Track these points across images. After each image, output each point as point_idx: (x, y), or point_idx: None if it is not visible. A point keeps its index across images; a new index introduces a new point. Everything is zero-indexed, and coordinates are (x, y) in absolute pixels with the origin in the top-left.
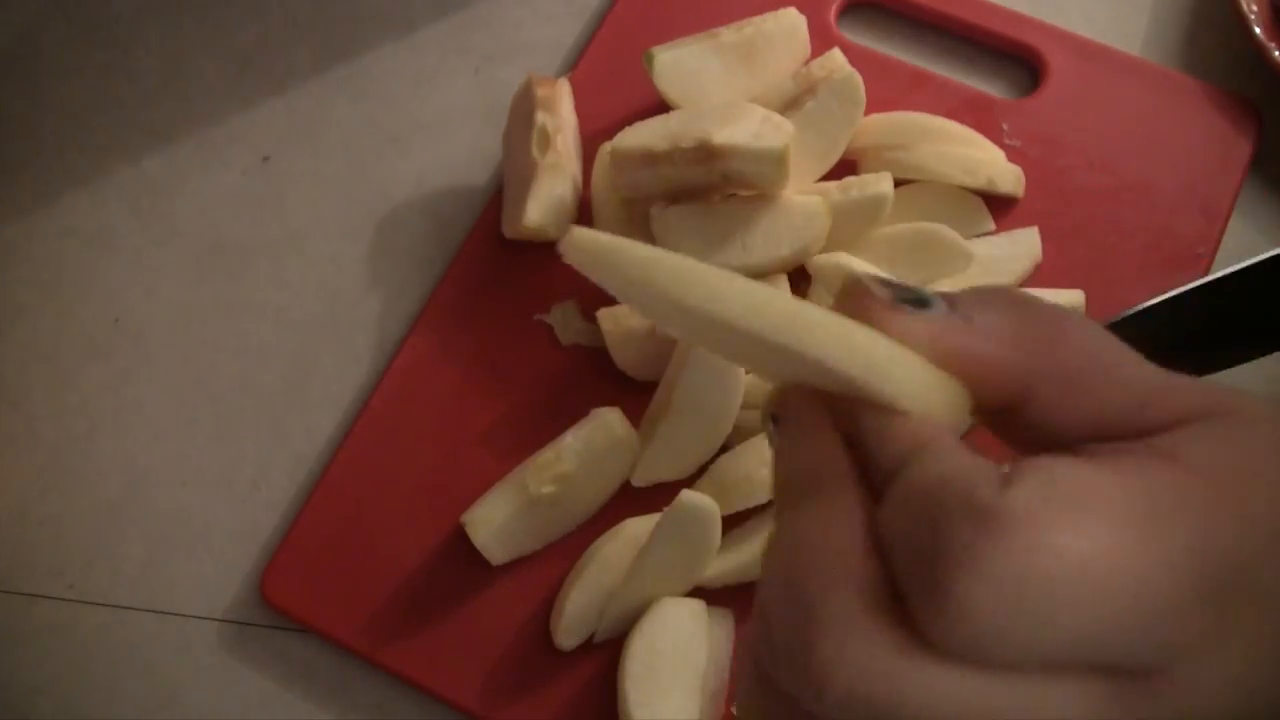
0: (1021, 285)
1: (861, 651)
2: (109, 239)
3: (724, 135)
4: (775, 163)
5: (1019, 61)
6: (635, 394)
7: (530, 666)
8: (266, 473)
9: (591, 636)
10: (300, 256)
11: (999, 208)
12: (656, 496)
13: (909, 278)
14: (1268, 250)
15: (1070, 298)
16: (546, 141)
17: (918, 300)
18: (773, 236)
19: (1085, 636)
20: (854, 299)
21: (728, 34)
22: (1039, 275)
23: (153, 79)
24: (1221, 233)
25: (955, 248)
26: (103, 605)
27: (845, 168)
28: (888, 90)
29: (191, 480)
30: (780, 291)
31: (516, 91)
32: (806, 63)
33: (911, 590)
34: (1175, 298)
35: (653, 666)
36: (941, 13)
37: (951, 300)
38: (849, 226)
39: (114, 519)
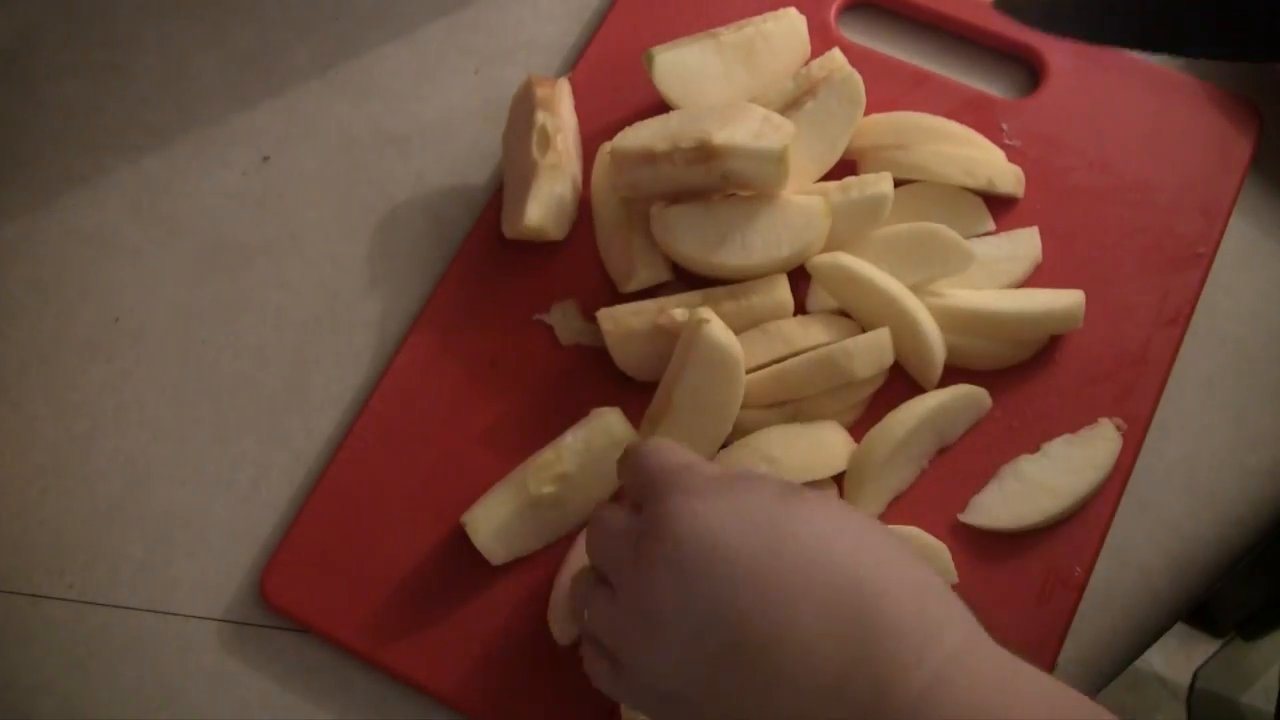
0: (1021, 285)
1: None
2: (109, 239)
3: (724, 135)
4: (775, 163)
5: (1019, 61)
6: (635, 394)
7: (530, 666)
8: (266, 473)
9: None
10: (300, 256)
11: (999, 208)
12: None
13: (909, 277)
14: (1267, 249)
15: (1070, 297)
16: (546, 141)
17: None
18: (772, 237)
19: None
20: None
21: (728, 34)
22: (1039, 275)
23: (152, 79)
24: (1221, 232)
25: (955, 247)
26: (103, 605)
27: (845, 168)
28: (888, 90)
29: (191, 480)
30: None
31: (516, 91)
32: (806, 63)
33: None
34: None
35: None
36: (941, 13)
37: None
38: (849, 227)
39: (114, 519)
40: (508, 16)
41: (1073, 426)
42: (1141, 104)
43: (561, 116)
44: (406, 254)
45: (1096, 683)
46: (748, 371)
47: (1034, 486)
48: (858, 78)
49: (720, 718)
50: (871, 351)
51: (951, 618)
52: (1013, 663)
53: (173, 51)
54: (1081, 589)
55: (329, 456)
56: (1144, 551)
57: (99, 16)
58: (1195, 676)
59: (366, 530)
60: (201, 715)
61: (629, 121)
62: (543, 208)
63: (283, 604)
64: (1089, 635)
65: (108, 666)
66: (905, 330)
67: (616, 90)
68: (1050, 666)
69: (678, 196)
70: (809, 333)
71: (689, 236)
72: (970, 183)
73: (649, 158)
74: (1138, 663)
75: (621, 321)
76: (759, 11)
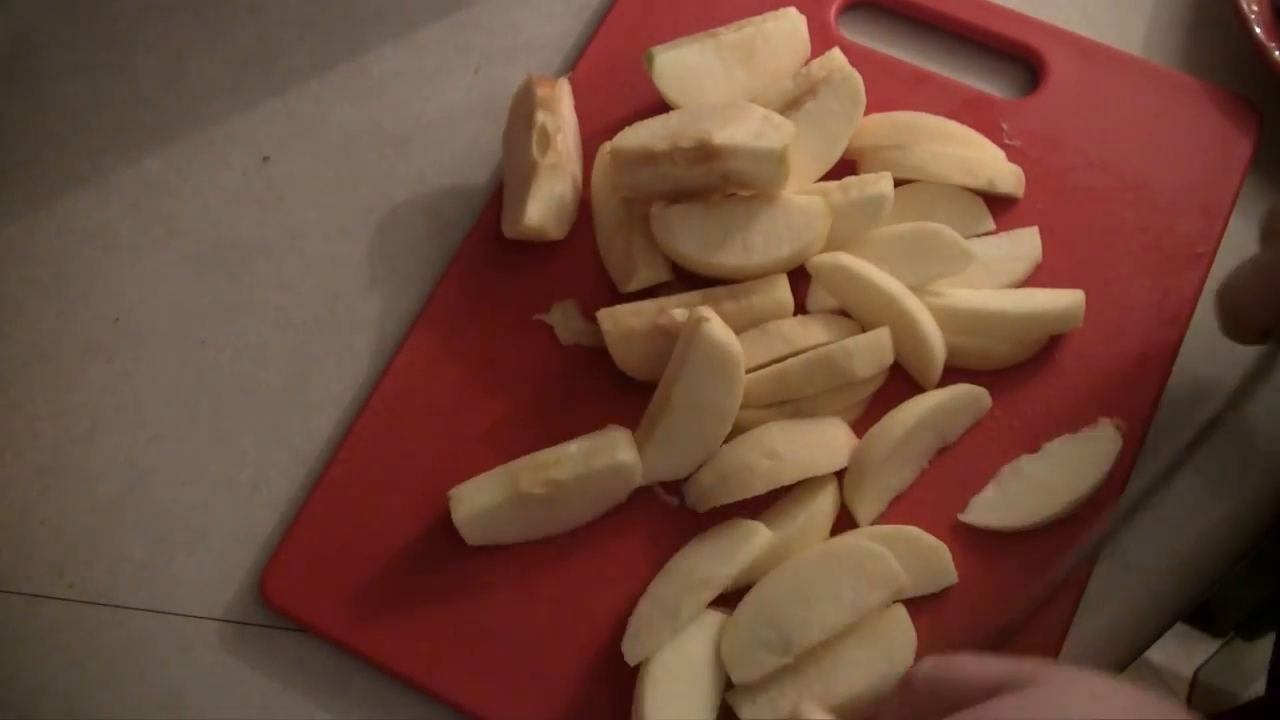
0: (1021, 285)
1: None
2: (109, 239)
3: (724, 135)
4: (775, 162)
5: (1019, 61)
6: (635, 394)
7: (530, 666)
8: (266, 472)
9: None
10: (300, 256)
11: (999, 207)
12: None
13: (909, 277)
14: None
15: (1070, 297)
16: (547, 141)
17: None
18: (773, 237)
19: None
20: None
21: (728, 34)
22: (1039, 275)
23: (153, 79)
24: (1222, 232)
25: (955, 247)
26: (103, 605)
27: (845, 167)
28: (888, 90)
29: (191, 480)
30: None
31: (516, 91)
32: (806, 62)
33: None
34: None
35: (677, 674)
36: (941, 12)
37: None
38: (849, 227)
39: (114, 518)
40: (508, 16)
41: (1073, 426)
42: (1142, 104)
43: (562, 116)
44: (406, 254)
45: None
46: (748, 371)
47: (1034, 486)
48: (858, 77)
49: None
50: (871, 351)
51: None
52: None
53: (173, 51)
54: (1081, 589)
55: (329, 456)
56: (1144, 551)
57: (99, 16)
58: (1195, 676)
59: (366, 530)
60: (201, 715)
61: (629, 121)
62: (543, 207)
63: (283, 604)
64: (1089, 635)
65: (107, 666)
66: (905, 330)
67: (617, 90)
68: None
69: (678, 196)
70: (809, 332)
71: (689, 236)
72: (970, 182)
73: (649, 157)
74: (1138, 662)
75: (621, 321)
76: (759, 11)
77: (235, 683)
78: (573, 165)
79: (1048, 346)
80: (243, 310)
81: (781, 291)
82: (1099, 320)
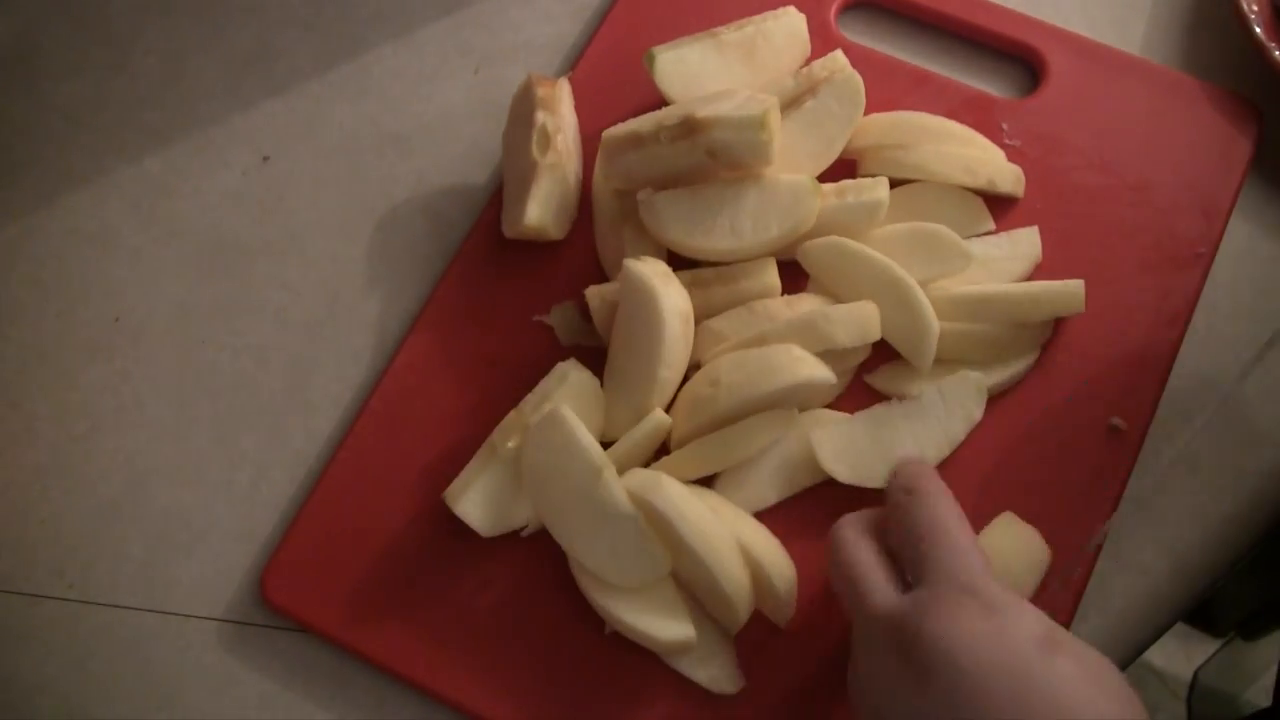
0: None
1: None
2: (109, 238)
3: (707, 110)
4: (757, 129)
5: (1019, 61)
6: None
7: (531, 666)
8: (266, 472)
9: (604, 628)
10: (300, 256)
11: (999, 207)
12: None
13: (908, 276)
14: (1267, 249)
15: (1069, 286)
16: (546, 141)
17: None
18: (761, 218)
19: None
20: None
21: (728, 33)
22: (1039, 275)
23: (153, 79)
24: (1222, 232)
25: (954, 247)
26: (103, 605)
27: (845, 167)
28: (888, 90)
29: (192, 480)
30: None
31: (516, 91)
32: (807, 62)
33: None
34: None
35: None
36: (941, 12)
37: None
38: (844, 230)
39: (114, 519)
40: (508, 16)
41: (1073, 426)
42: (1142, 104)
43: (562, 116)
44: (406, 254)
45: None
46: (733, 347)
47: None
48: (858, 78)
49: None
50: (853, 319)
51: None
52: None
53: (173, 52)
54: (1081, 588)
55: (329, 456)
56: (1144, 551)
57: (99, 17)
58: (1195, 676)
59: (366, 530)
60: (201, 715)
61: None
62: (542, 207)
63: (283, 604)
64: (1089, 635)
65: (107, 666)
66: (897, 302)
67: (617, 90)
68: None
69: (667, 182)
70: (795, 310)
71: (677, 221)
72: (970, 182)
73: (635, 140)
74: (1138, 662)
75: (608, 298)
76: (759, 11)
77: (235, 683)
78: (573, 165)
79: (1048, 347)
80: (243, 310)
81: (770, 276)
82: (1099, 320)
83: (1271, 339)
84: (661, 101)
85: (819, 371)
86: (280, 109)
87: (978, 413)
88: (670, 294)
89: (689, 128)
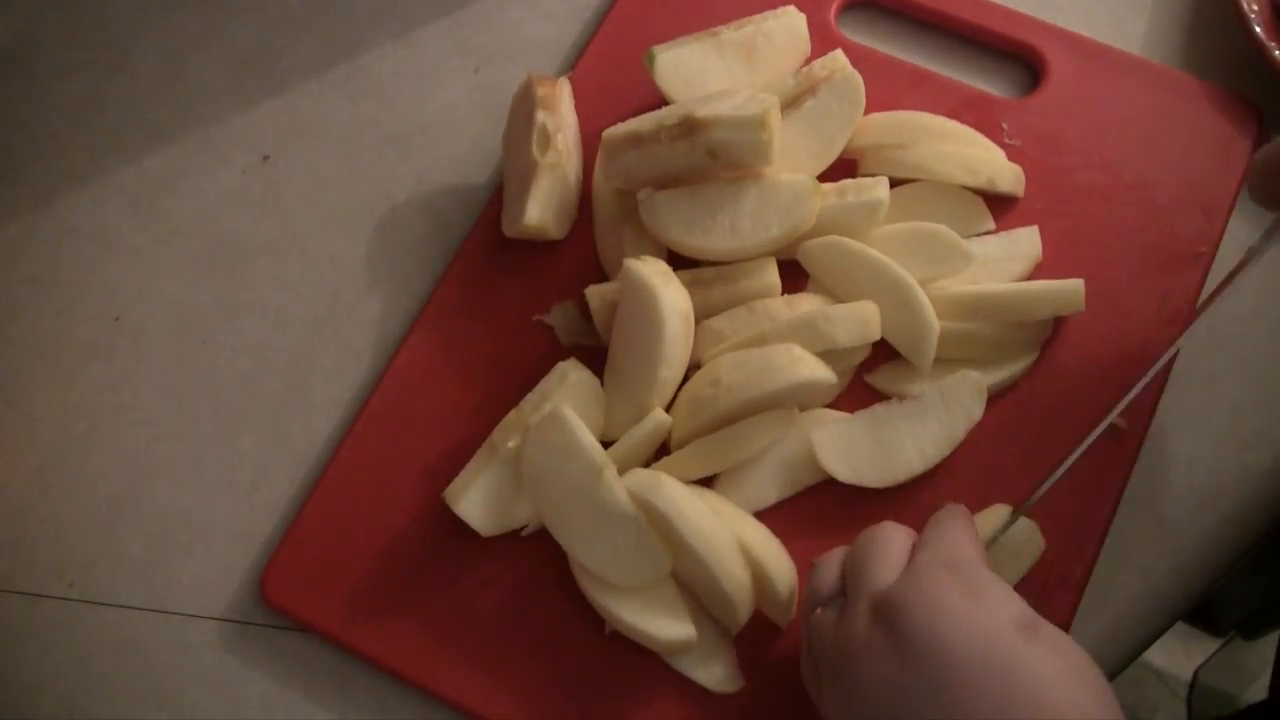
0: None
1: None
2: (109, 238)
3: (707, 109)
4: (757, 128)
5: (1019, 61)
6: None
7: (531, 666)
8: (266, 472)
9: (604, 627)
10: (300, 256)
11: (999, 207)
12: None
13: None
14: (1269, 249)
15: (1069, 285)
16: (547, 141)
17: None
18: (761, 218)
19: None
20: None
21: (728, 33)
22: (1039, 274)
23: (152, 78)
24: (1222, 231)
25: (954, 247)
26: (103, 604)
27: (846, 166)
28: (888, 89)
29: (191, 479)
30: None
31: (517, 91)
32: (807, 62)
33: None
34: None
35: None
36: (941, 12)
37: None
38: (844, 230)
39: (114, 518)
40: (508, 16)
41: (1073, 426)
42: (1142, 103)
43: (562, 116)
44: (406, 253)
45: None
46: (733, 347)
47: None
48: (858, 78)
49: None
50: (853, 319)
51: None
52: None
53: (173, 51)
54: (1081, 589)
55: (329, 456)
56: (1144, 551)
57: (99, 16)
58: (1195, 675)
59: (366, 530)
60: (201, 715)
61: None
62: (543, 207)
63: (283, 603)
64: (1089, 635)
65: (107, 666)
66: (897, 301)
67: (617, 89)
68: None
69: (667, 182)
70: (795, 310)
71: (677, 221)
72: (970, 182)
73: (635, 140)
74: (1138, 661)
75: (608, 298)
76: (759, 10)
77: (235, 682)
78: (573, 164)
79: (1048, 347)
80: (243, 310)
81: (770, 275)
82: (1099, 320)
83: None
84: (662, 101)
85: (819, 371)
86: (280, 108)
87: (978, 412)
88: (670, 293)
89: (689, 127)
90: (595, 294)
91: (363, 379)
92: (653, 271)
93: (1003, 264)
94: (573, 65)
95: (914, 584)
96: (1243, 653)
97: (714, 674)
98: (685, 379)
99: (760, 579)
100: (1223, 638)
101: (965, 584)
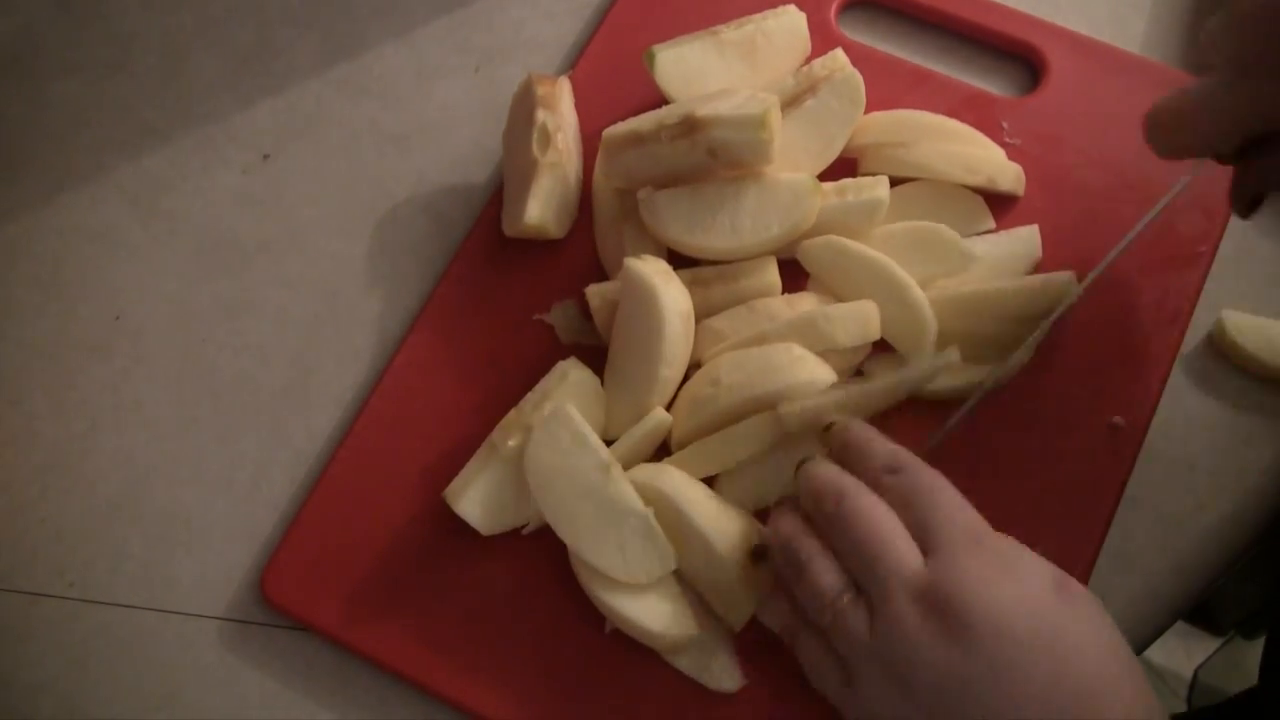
0: None
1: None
2: (110, 237)
3: (707, 109)
4: (757, 128)
5: (1019, 60)
6: None
7: (531, 665)
8: (267, 471)
9: (605, 626)
10: (300, 254)
11: (999, 206)
12: None
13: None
14: (1267, 248)
15: (1060, 278)
16: (547, 140)
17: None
18: (761, 217)
19: None
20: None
21: (728, 31)
22: (1039, 273)
23: (153, 77)
24: (1222, 230)
25: (954, 248)
26: (103, 603)
27: (846, 165)
28: (888, 88)
29: (192, 479)
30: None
31: (517, 90)
32: (807, 61)
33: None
34: None
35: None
36: (941, 11)
37: None
38: (844, 229)
39: (114, 517)
40: (508, 15)
41: (1073, 426)
42: (1142, 102)
43: (562, 115)
44: (407, 252)
45: None
46: (733, 347)
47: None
48: (858, 77)
49: None
50: (853, 319)
51: None
52: None
53: (173, 50)
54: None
55: (329, 455)
56: (1144, 551)
57: (99, 15)
58: (1196, 674)
59: (367, 529)
60: (201, 714)
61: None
62: (543, 206)
63: (283, 602)
64: None
65: (108, 665)
66: (895, 300)
67: (617, 88)
68: None
69: (667, 181)
70: (795, 309)
71: (677, 220)
72: (970, 181)
73: (636, 139)
74: (1139, 660)
75: (608, 297)
76: (759, 9)
77: (235, 681)
78: (573, 164)
79: (1049, 345)
80: (243, 309)
81: (770, 274)
82: (1099, 319)
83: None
84: (662, 100)
85: (820, 371)
86: (280, 107)
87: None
88: (671, 292)
89: (689, 126)
90: (595, 293)
91: (363, 378)
92: (654, 270)
93: (1003, 263)
94: (573, 64)
95: (957, 567)
96: (1243, 652)
97: (714, 672)
98: (685, 378)
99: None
100: (1223, 637)
101: (998, 558)
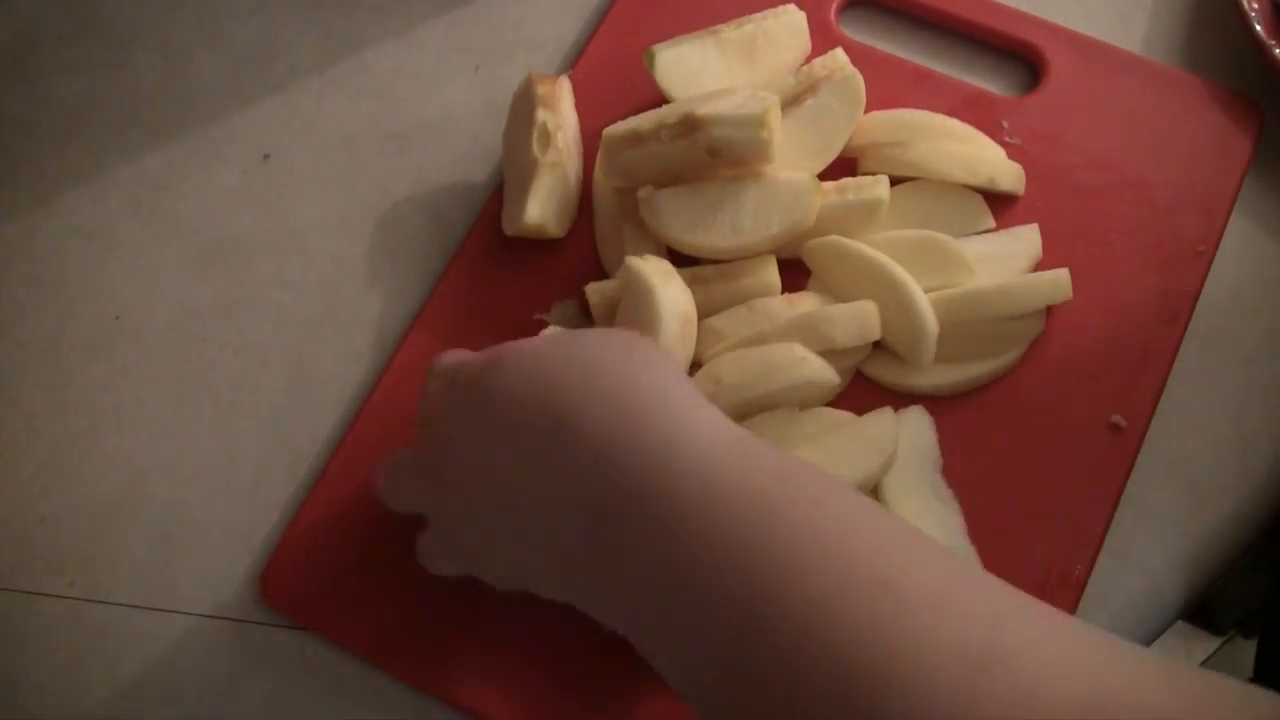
0: None
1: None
2: (109, 237)
3: (707, 108)
4: (757, 127)
5: (1019, 59)
6: None
7: (531, 665)
8: (267, 471)
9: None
10: (300, 254)
11: (999, 205)
12: None
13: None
14: (1268, 247)
15: (1056, 275)
16: (547, 139)
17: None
18: (761, 215)
19: None
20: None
21: (729, 31)
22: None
23: (153, 77)
24: (1222, 230)
25: (957, 259)
26: (103, 603)
27: (846, 165)
28: (888, 88)
29: (192, 478)
30: None
31: (517, 89)
32: (807, 60)
33: None
34: None
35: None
36: (942, 10)
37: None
38: (843, 229)
39: (114, 517)
40: (508, 14)
41: (1073, 426)
42: (1142, 101)
43: (562, 114)
44: (407, 252)
45: None
46: (733, 346)
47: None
48: (858, 77)
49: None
50: (853, 319)
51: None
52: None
53: (173, 49)
54: (1081, 588)
55: (329, 455)
56: (1144, 551)
57: (99, 15)
58: None
59: (367, 529)
60: (200, 713)
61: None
62: (543, 205)
63: (283, 603)
64: None
65: (107, 665)
66: (895, 301)
67: (618, 88)
68: None
69: (667, 180)
70: (795, 309)
71: (677, 218)
72: (971, 180)
73: (635, 138)
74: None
75: (607, 295)
76: (759, 8)
77: (235, 681)
78: (573, 163)
79: (1047, 345)
80: (243, 308)
81: (770, 274)
82: (1099, 318)
83: None
84: (662, 99)
85: (822, 371)
86: (280, 107)
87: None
88: (670, 292)
89: (689, 126)
90: (595, 291)
91: (363, 378)
92: (653, 270)
93: (1003, 262)
94: (573, 64)
95: (492, 367)
96: (1243, 651)
97: None
98: None
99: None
100: (1223, 637)
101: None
